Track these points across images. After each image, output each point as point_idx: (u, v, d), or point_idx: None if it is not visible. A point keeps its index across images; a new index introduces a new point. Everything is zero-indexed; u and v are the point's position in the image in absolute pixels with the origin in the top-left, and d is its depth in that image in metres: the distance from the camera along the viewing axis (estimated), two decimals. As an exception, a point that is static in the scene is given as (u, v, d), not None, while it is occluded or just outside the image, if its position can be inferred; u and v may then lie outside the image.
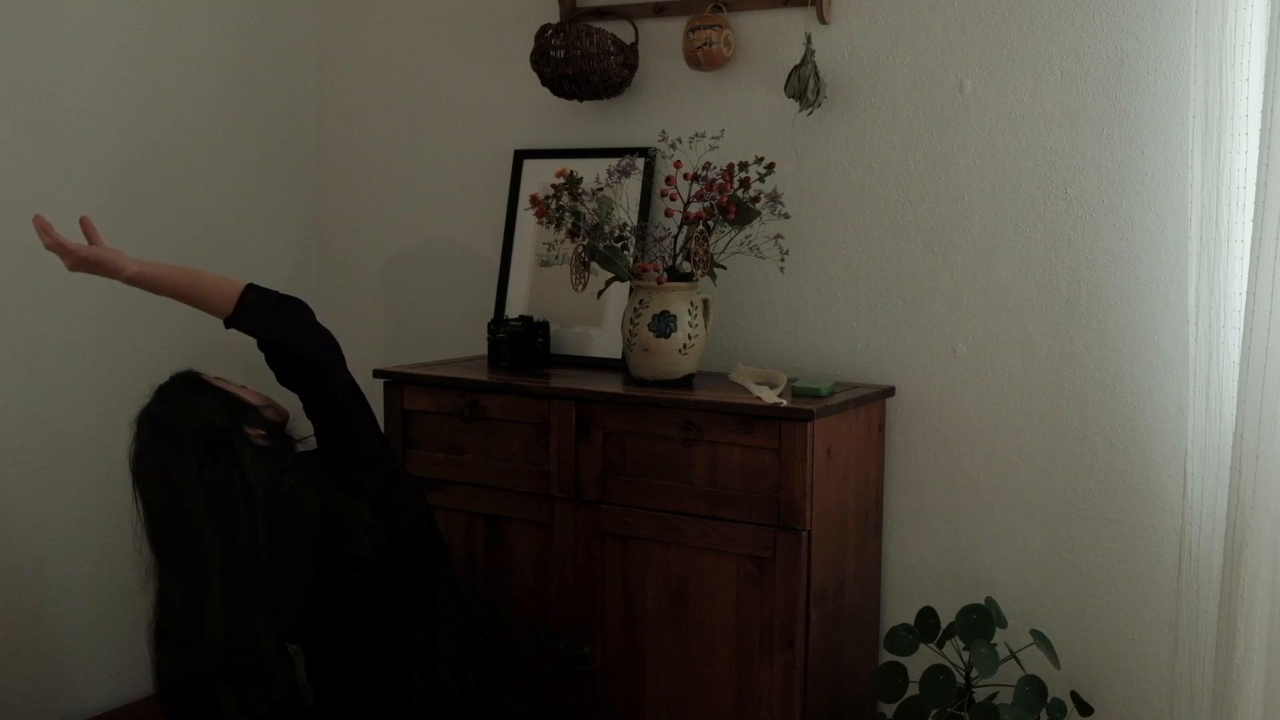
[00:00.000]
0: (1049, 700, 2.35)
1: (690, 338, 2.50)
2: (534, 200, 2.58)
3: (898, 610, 2.64)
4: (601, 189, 2.57)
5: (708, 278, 2.52)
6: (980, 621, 2.34)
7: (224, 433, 2.13)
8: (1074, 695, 2.40)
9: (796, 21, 2.66)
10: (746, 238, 2.56)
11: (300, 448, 2.27)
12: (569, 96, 2.84)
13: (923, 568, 2.63)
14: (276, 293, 2.29)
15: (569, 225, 2.54)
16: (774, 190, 2.52)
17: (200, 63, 3.04)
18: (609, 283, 2.59)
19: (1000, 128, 2.50)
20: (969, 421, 2.57)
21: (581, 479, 2.50)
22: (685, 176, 2.53)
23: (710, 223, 2.48)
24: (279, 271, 3.19)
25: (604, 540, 2.50)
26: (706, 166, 2.52)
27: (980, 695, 2.38)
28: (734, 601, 2.38)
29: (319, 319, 2.30)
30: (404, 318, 3.25)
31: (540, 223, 2.59)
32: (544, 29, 2.78)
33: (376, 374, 2.72)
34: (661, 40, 2.82)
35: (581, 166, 2.69)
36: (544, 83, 2.83)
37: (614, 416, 2.46)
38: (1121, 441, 2.44)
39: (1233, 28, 2.18)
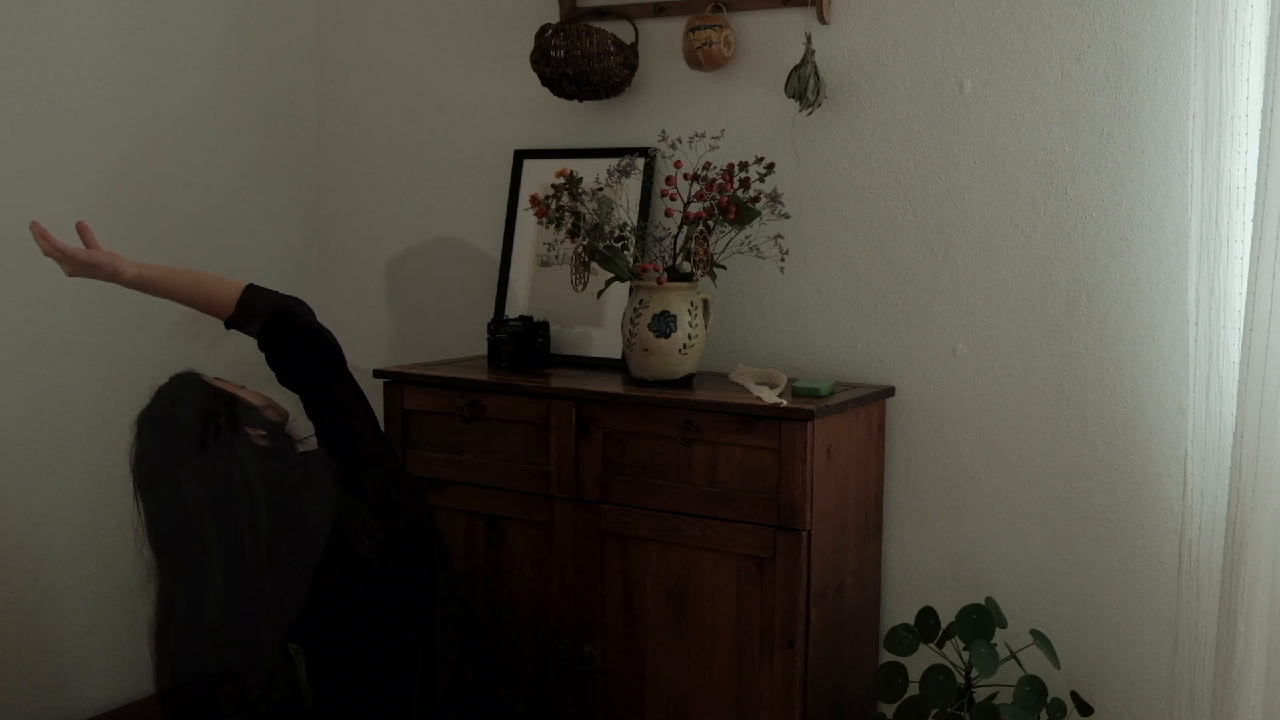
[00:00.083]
0: (1049, 700, 2.35)
1: (690, 338, 2.50)
2: (534, 200, 2.58)
3: (898, 610, 2.64)
4: (601, 189, 2.57)
5: (708, 278, 2.52)
6: (980, 621, 2.34)
7: (225, 433, 2.13)
8: (1074, 695, 2.40)
9: (796, 21, 2.66)
10: (746, 238, 2.56)
11: (301, 448, 2.27)
12: (569, 96, 2.84)
13: (923, 568, 2.63)
14: (277, 293, 2.29)
15: (569, 225, 2.54)
16: (774, 190, 2.52)
17: (200, 63, 3.04)
18: (609, 283, 2.59)
19: (1000, 128, 2.50)
20: (969, 421, 2.57)
21: (581, 479, 2.50)
22: (685, 176, 2.53)
23: (710, 223, 2.48)
24: (279, 271, 3.19)
25: (604, 540, 2.50)
26: (706, 166, 2.52)
27: (980, 695, 2.38)
28: (734, 601, 2.38)
29: (319, 319, 2.30)
30: (404, 318, 3.25)
31: (540, 223, 2.59)
32: (544, 29, 2.79)
33: (376, 374, 2.72)
34: (661, 40, 2.82)
35: (581, 166, 2.69)
36: (544, 83, 2.83)
37: (614, 416, 2.46)
38: (1121, 441, 2.44)
39: (1233, 28, 2.18)
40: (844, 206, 2.66)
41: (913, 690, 2.37)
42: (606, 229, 2.55)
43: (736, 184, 2.49)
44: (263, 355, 2.26)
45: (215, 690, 2.15)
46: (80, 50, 2.78)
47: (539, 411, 2.54)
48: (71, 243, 2.26)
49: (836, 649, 2.46)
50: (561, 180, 2.55)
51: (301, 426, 2.27)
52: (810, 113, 2.64)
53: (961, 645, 2.37)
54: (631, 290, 2.56)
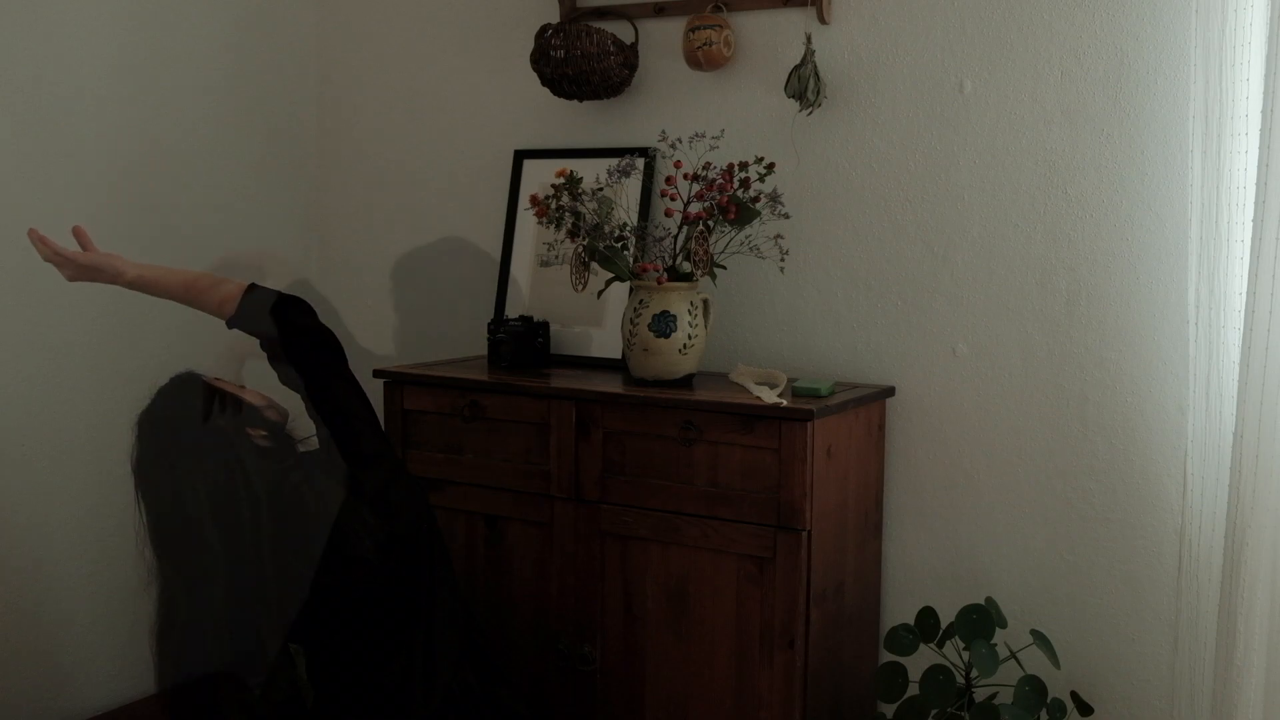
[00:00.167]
0: (1049, 700, 2.35)
1: (690, 338, 2.50)
2: (534, 200, 2.58)
3: (898, 610, 2.64)
4: (601, 189, 2.57)
5: (708, 278, 2.52)
6: (980, 621, 2.34)
7: (226, 434, 2.13)
8: (1074, 695, 2.40)
9: (796, 21, 2.66)
10: (746, 238, 2.56)
11: (301, 448, 2.27)
12: (569, 96, 2.84)
13: (923, 568, 2.63)
14: (278, 292, 2.29)
15: (569, 225, 2.54)
16: (774, 190, 2.52)
17: (200, 63, 3.04)
18: (609, 283, 2.59)
19: (1000, 128, 2.50)
20: (969, 421, 2.57)
21: (581, 479, 2.50)
22: (685, 176, 2.53)
23: (710, 223, 2.48)
24: (278, 273, 3.19)
25: (604, 540, 2.50)
26: (706, 166, 2.52)
27: (980, 695, 2.38)
28: (734, 601, 2.38)
29: (319, 319, 2.30)
30: (404, 318, 3.25)
31: (540, 223, 2.58)
32: (544, 29, 2.79)
33: (376, 374, 2.72)
34: (661, 40, 2.82)
35: (581, 166, 2.69)
36: (544, 83, 2.83)
37: (614, 416, 2.46)
38: (1121, 441, 2.44)
39: (1233, 28, 2.18)
40: (844, 206, 2.66)
41: (913, 690, 2.38)
42: (606, 229, 2.55)
43: (736, 184, 2.49)
44: (264, 355, 2.26)
45: (216, 690, 2.15)
46: (80, 51, 2.78)
47: (539, 411, 2.54)
48: (69, 248, 2.27)
49: (836, 649, 2.46)
50: (561, 180, 2.55)
51: (302, 426, 2.27)
52: (810, 113, 2.64)
53: (961, 645, 2.37)
54: (631, 290, 2.56)
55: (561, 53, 2.75)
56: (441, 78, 3.16)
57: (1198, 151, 2.25)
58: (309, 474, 2.19)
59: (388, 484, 2.23)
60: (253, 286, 2.27)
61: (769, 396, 2.35)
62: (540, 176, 2.89)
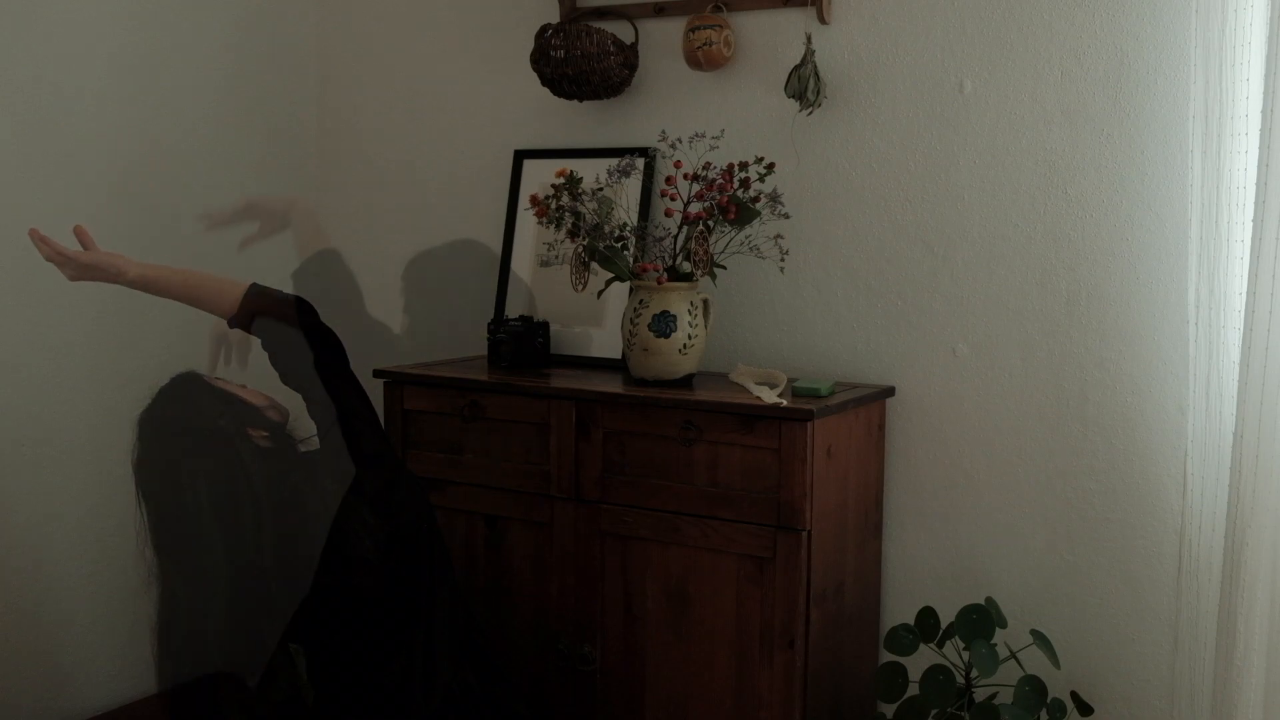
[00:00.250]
0: (1049, 700, 2.35)
1: (690, 338, 2.50)
2: (534, 200, 2.58)
3: (898, 610, 2.64)
4: (601, 189, 2.57)
5: (708, 278, 2.52)
6: (980, 621, 2.34)
7: (228, 435, 2.14)
8: (1074, 695, 2.40)
9: (796, 21, 2.66)
10: (746, 238, 2.56)
11: (302, 448, 2.27)
12: (569, 96, 2.84)
13: (923, 568, 2.63)
14: (280, 292, 2.29)
15: (569, 225, 2.54)
16: (774, 190, 2.52)
17: (200, 63, 3.04)
18: (609, 283, 2.59)
19: (1000, 128, 2.50)
20: (969, 421, 2.57)
21: (581, 479, 2.50)
22: (685, 176, 2.53)
23: (710, 223, 2.48)
24: (279, 273, 3.19)
25: (604, 540, 2.50)
26: (706, 166, 2.52)
27: (980, 695, 2.38)
28: (734, 601, 2.38)
29: (320, 318, 2.30)
30: (404, 318, 3.25)
31: (540, 223, 2.58)
32: (544, 29, 2.79)
33: (376, 374, 2.72)
34: (661, 40, 2.82)
35: (581, 166, 2.69)
36: (544, 83, 2.83)
37: (614, 416, 2.46)
38: (1121, 441, 2.44)
39: (1233, 28, 2.18)
40: (844, 206, 2.66)
41: (913, 690, 2.38)
42: (606, 229, 2.55)
43: (736, 184, 2.49)
44: (266, 355, 2.26)
45: (216, 690, 2.15)
46: (80, 51, 2.78)
47: (539, 411, 2.54)
48: (71, 247, 2.27)
49: (836, 649, 2.46)
50: (561, 180, 2.55)
51: (302, 426, 2.27)
52: (810, 113, 2.64)
53: (961, 645, 2.37)
54: (631, 290, 2.56)
55: (561, 53, 2.75)
56: (441, 78, 3.16)
57: (1198, 151, 2.25)
58: (310, 474, 2.19)
59: (389, 484, 2.23)
60: (254, 286, 2.27)
61: (769, 396, 2.35)
62: (540, 176, 2.89)
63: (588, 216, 2.54)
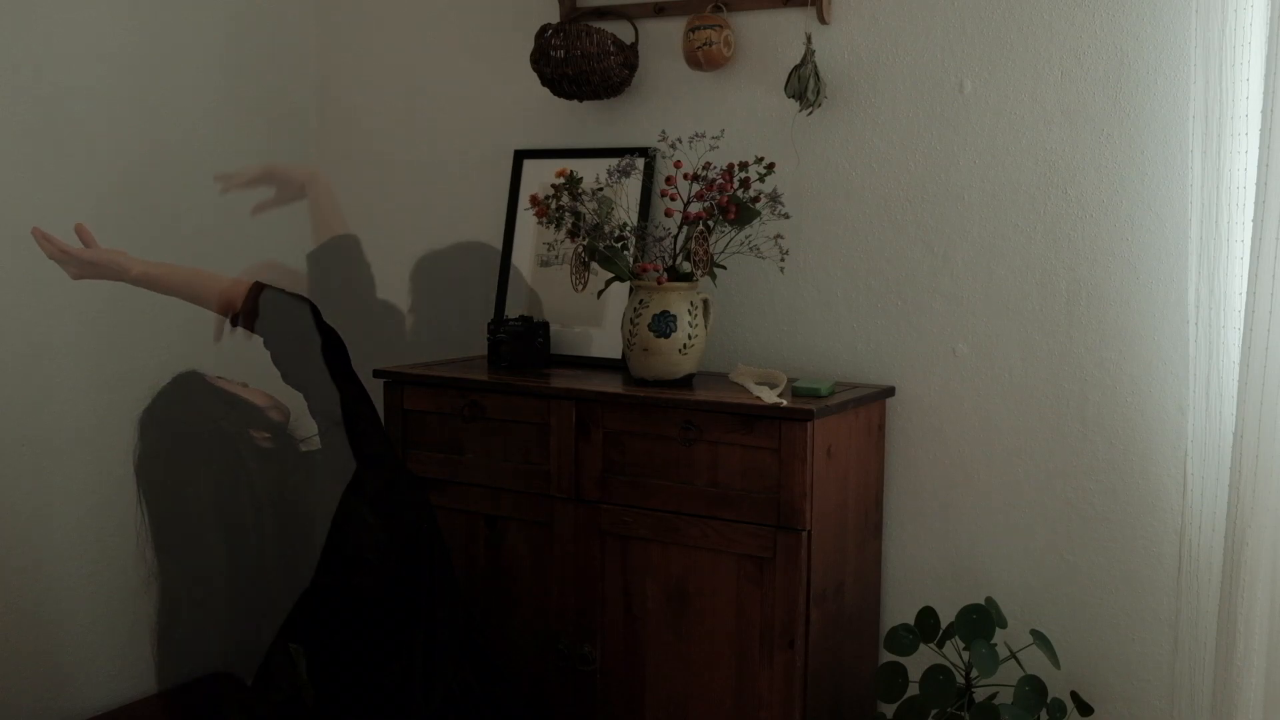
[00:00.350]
0: (1049, 700, 2.35)
1: (690, 338, 2.50)
2: (534, 200, 2.58)
3: (898, 610, 2.64)
4: (601, 189, 2.57)
5: (708, 278, 2.52)
6: (980, 621, 2.34)
7: (229, 436, 2.14)
8: (1074, 695, 2.40)
9: (796, 21, 2.66)
10: (746, 238, 2.56)
11: (303, 448, 2.27)
12: (569, 96, 2.84)
13: (923, 568, 2.63)
14: (283, 291, 2.29)
15: (569, 225, 2.55)
16: (774, 190, 2.52)
17: (201, 63, 3.04)
18: (609, 283, 2.60)
19: (1000, 128, 2.50)
20: (969, 421, 2.57)
21: (581, 479, 2.51)
22: (685, 176, 2.53)
23: (710, 223, 2.48)
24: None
25: (604, 540, 2.50)
26: (706, 166, 2.52)
27: (980, 695, 2.38)
28: (734, 601, 2.38)
29: (325, 318, 2.30)
30: (410, 317, 3.24)
31: (540, 223, 2.58)
32: (544, 29, 2.79)
33: (376, 374, 2.72)
34: (661, 40, 2.82)
35: (581, 166, 2.69)
36: (544, 83, 2.83)
37: (614, 416, 2.46)
38: (1121, 441, 2.44)
39: (1233, 28, 2.18)
40: (844, 206, 2.67)
41: (913, 690, 2.38)
42: (606, 229, 2.55)
43: (736, 184, 2.49)
44: (268, 354, 2.26)
45: (216, 690, 2.15)
46: (81, 52, 2.78)
47: (539, 411, 2.54)
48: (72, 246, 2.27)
49: (836, 649, 2.46)
50: (561, 180, 2.56)
51: (303, 426, 2.27)
52: (810, 113, 2.65)
53: (961, 645, 2.37)
54: (631, 290, 2.56)
55: (561, 53, 2.75)
56: (441, 78, 3.16)
57: (1198, 151, 2.25)
58: (310, 475, 2.19)
59: (388, 484, 2.23)
60: (257, 284, 2.27)
61: (769, 396, 2.35)
62: (540, 176, 2.89)
63: (588, 216, 2.54)
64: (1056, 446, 2.49)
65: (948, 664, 2.36)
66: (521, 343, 2.73)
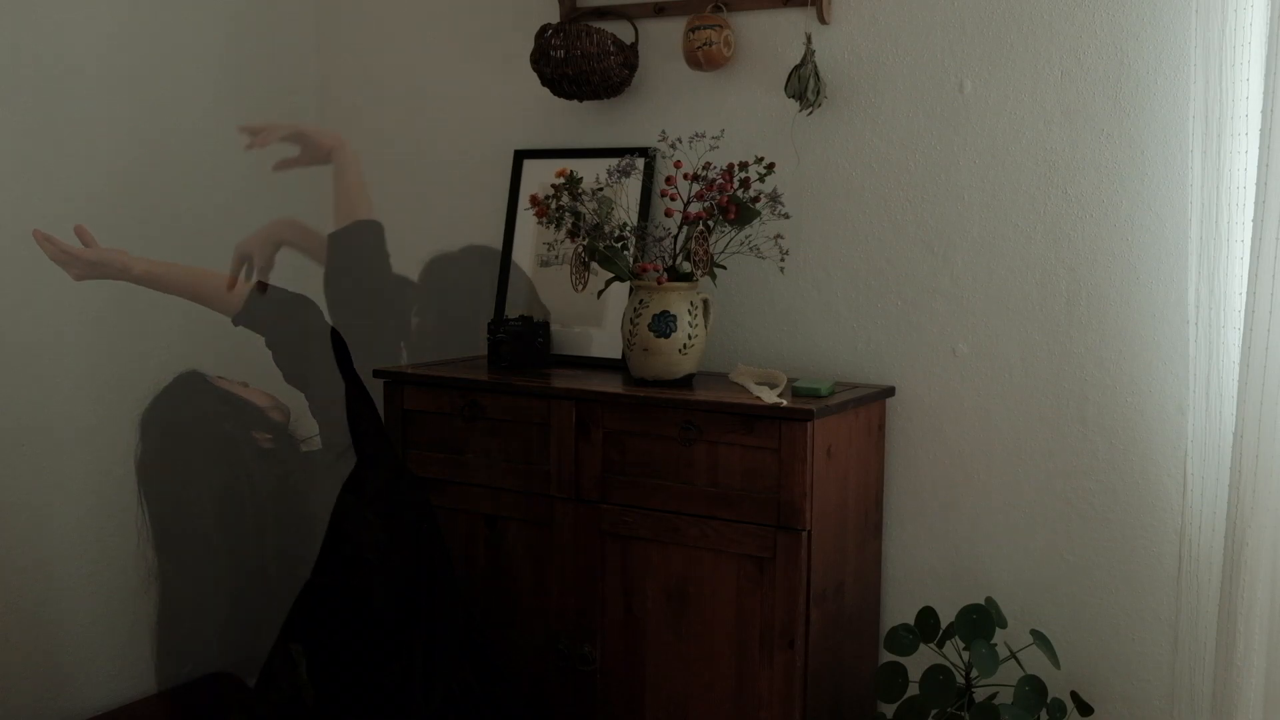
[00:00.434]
0: (1049, 700, 2.35)
1: (690, 338, 2.50)
2: (534, 200, 2.58)
3: (898, 610, 2.64)
4: (601, 189, 2.57)
5: (708, 278, 2.52)
6: (980, 621, 2.35)
7: (231, 438, 2.14)
8: (1074, 695, 2.40)
9: (796, 21, 2.66)
10: (746, 238, 2.56)
11: (304, 448, 2.28)
12: (569, 96, 2.84)
13: (923, 568, 2.63)
14: (285, 290, 2.30)
15: (569, 225, 2.55)
16: (774, 190, 2.52)
17: (200, 63, 3.04)
18: (609, 283, 2.60)
19: (1000, 128, 2.50)
20: (969, 421, 2.57)
21: (581, 479, 2.51)
22: (685, 176, 2.53)
23: (710, 223, 2.48)
24: (280, 272, 3.19)
25: (604, 540, 2.50)
26: (706, 166, 2.52)
27: (980, 695, 2.38)
28: (734, 601, 2.38)
29: (325, 318, 2.30)
30: (404, 318, 3.24)
31: (540, 223, 2.58)
32: (544, 29, 2.79)
33: (376, 374, 2.72)
34: (661, 40, 2.82)
35: (581, 166, 2.69)
36: (544, 83, 2.83)
37: (614, 416, 2.46)
38: (1121, 441, 2.44)
39: (1233, 28, 2.18)
40: (844, 206, 2.67)
41: (913, 690, 2.38)
42: (606, 229, 2.55)
43: (736, 184, 2.49)
44: (268, 353, 2.27)
45: (217, 690, 2.16)
46: (81, 51, 2.78)
47: (539, 411, 2.54)
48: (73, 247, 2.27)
49: (836, 649, 2.46)
50: (561, 180, 2.56)
51: (304, 426, 2.28)
52: (810, 113, 2.65)
53: (961, 645, 2.37)
54: (631, 290, 2.56)
55: (561, 53, 2.75)
56: (441, 78, 3.16)
57: (1198, 151, 2.25)
58: (311, 475, 2.20)
59: (388, 484, 2.23)
60: (259, 284, 2.28)
61: (769, 396, 2.35)
62: (540, 176, 2.89)
63: (588, 216, 2.54)
64: (1056, 446, 2.49)
65: (948, 664, 2.36)
66: (521, 343, 2.73)
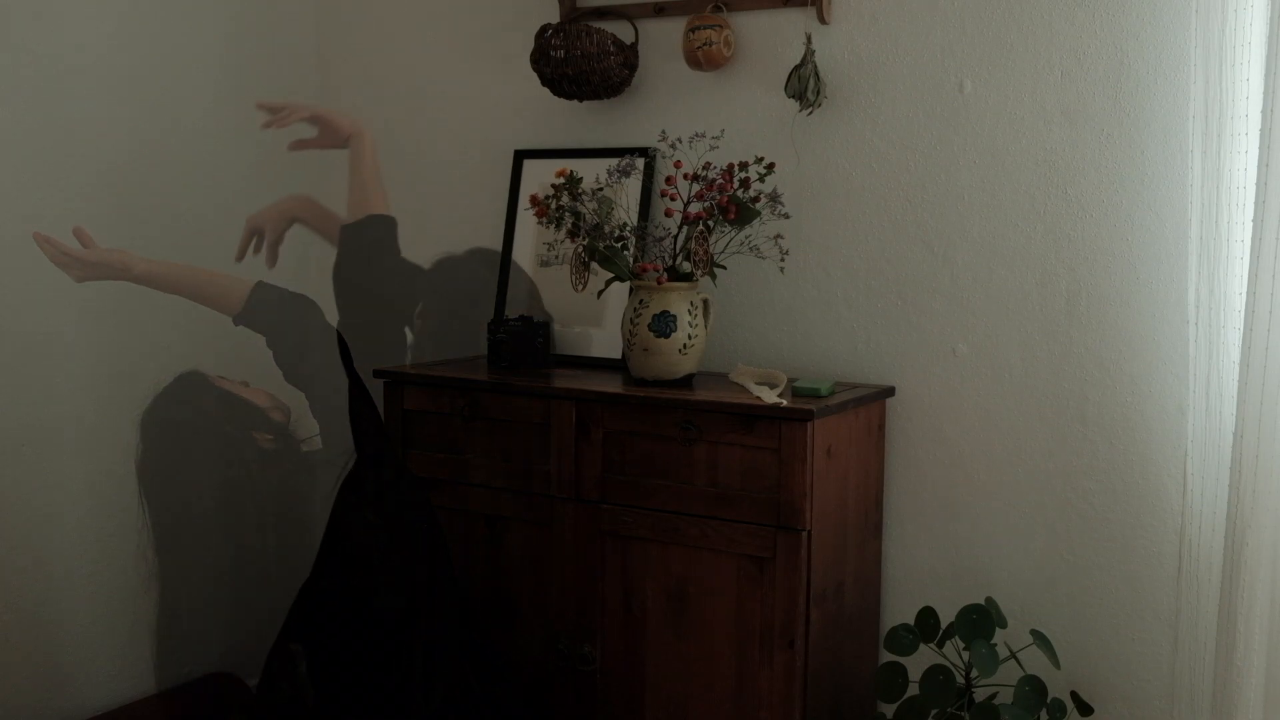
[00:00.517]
0: (1049, 700, 2.35)
1: (690, 338, 2.50)
2: (534, 200, 2.58)
3: (898, 610, 2.64)
4: (601, 189, 2.57)
5: (708, 278, 2.52)
6: (980, 621, 2.35)
7: (231, 437, 2.14)
8: (1074, 695, 2.40)
9: (796, 21, 2.66)
10: (746, 238, 2.56)
11: (304, 448, 2.28)
12: (569, 96, 2.84)
13: (923, 568, 2.63)
14: (285, 290, 2.30)
15: (569, 225, 2.55)
16: (774, 190, 2.52)
17: (200, 63, 3.04)
18: (609, 283, 2.60)
19: (1000, 128, 2.50)
20: (969, 421, 2.57)
21: (581, 479, 2.51)
22: (685, 176, 2.53)
23: (710, 223, 2.48)
24: (280, 272, 3.19)
25: (604, 540, 2.50)
26: (706, 166, 2.52)
27: (980, 695, 2.38)
28: (734, 601, 2.38)
29: (326, 318, 2.30)
30: (413, 307, 3.24)
31: (540, 223, 2.59)
32: (544, 29, 2.79)
33: (376, 374, 2.72)
34: (661, 40, 2.82)
35: (581, 166, 2.69)
36: (544, 83, 2.83)
37: (614, 416, 2.46)
38: (1121, 441, 2.44)
39: (1233, 28, 2.18)
40: (844, 206, 2.67)
41: (913, 690, 2.38)
42: (606, 229, 2.55)
43: (736, 184, 2.49)
44: (270, 353, 2.27)
45: (217, 690, 2.16)
46: (80, 52, 2.78)
47: (539, 411, 2.54)
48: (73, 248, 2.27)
49: (836, 649, 2.46)
50: (561, 180, 2.56)
51: (304, 426, 2.28)
52: (810, 113, 2.65)
53: (961, 645, 2.37)
54: (631, 290, 2.56)
55: (561, 53, 2.75)
56: (441, 78, 3.16)
57: (1198, 151, 2.25)
58: (311, 475, 2.20)
59: (389, 484, 2.23)
60: (260, 283, 2.28)
61: (769, 396, 2.35)
62: (540, 176, 2.89)
63: (588, 216, 2.54)
64: (1056, 446, 2.49)
65: (948, 664, 2.36)
66: (521, 343, 2.73)
